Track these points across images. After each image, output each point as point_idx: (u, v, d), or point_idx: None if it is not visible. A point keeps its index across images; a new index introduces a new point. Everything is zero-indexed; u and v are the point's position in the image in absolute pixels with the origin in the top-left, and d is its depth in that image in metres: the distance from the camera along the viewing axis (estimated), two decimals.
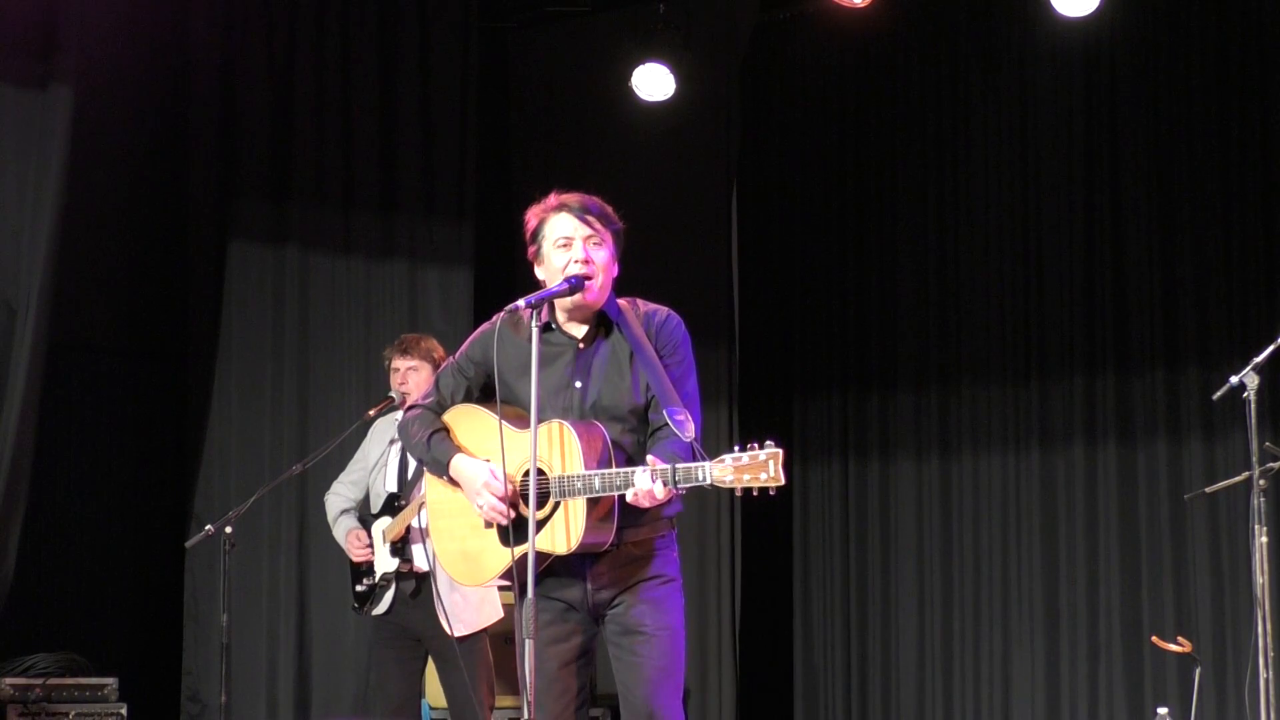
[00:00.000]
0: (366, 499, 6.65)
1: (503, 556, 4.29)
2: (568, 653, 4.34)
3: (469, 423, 4.40)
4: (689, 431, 4.14)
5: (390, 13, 8.85)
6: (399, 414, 6.57)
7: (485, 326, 4.39)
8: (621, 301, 4.42)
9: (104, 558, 8.42)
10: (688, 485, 4.06)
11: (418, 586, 6.37)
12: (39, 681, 7.39)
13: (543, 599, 4.31)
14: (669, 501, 4.21)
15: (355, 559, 6.53)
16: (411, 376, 6.51)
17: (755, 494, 4.00)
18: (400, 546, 6.38)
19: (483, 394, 4.41)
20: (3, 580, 7.37)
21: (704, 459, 4.07)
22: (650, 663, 4.28)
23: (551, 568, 4.28)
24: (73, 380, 8.21)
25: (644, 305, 4.43)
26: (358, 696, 8.44)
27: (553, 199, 4.38)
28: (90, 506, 8.40)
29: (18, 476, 7.43)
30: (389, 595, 6.42)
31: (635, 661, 4.30)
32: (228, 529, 6.49)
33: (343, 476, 6.77)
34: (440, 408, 4.47)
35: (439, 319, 8.72)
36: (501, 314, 4.32)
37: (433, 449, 4.42)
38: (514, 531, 4.23)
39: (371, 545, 6.49)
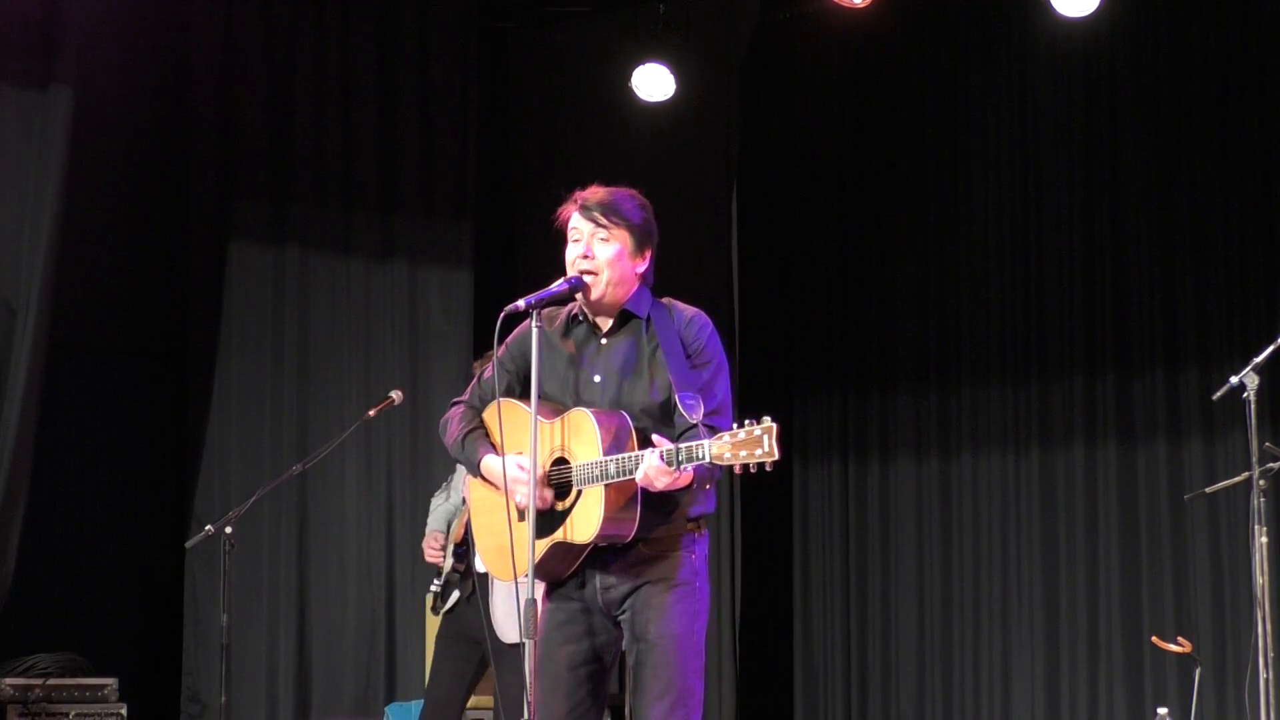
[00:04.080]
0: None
1: (526, 549, 4.27)
2: (578, 655, 4.31)
3: (506, 416, 4.40)
4: (698, 414, 4.14)
5: (390, 12, 8.85)
6: None
7: (528, 324, 4.40)
8: (663, 301, 4.43)
9: (104, 558, 8.41)
10: (691, 464, 4.04)
11: (473, 589, 6.37)
12: (39, 681, 7.39)
13: (558, 598, 4.33)
14: (679, 494, 4.19)
15: (427, 558, 6.54)
16: None
17: (753, 470, 3.98)
18: (463, 549, 6.39)
19: (525, 388, 4.40)
20: (3, 580, 7.38)
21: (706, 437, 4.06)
22: (651, 673, 4.25)
23: (577, 565, 4.28)
24: (73, 380, 8.20)
25: (678, 306, 4.44)
26: (358, 696, 8.44)
27: (576, 194, 4.42)
28: (90, 506, 8.40)
29: (18, 476, 7.43)
30: (454, 595, 6.44)
31: (639, 671, 4.27)
32: (228, 529, 6.48)
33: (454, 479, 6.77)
34: (481, 403, 4.51)
35: (439, 319, 8.73)
36: (526, 311, 4.32)
37: (465, 449, 4.46)
38: (540, 524, 4.22)
39: (445, 547, 6.51)
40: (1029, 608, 8.70)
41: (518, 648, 6.23)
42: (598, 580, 4.30)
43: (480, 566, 6.34)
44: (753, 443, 3.96)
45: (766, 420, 3.97)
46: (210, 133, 8.63)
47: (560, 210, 4.44)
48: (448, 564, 6.46)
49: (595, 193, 4.40)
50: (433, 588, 6.54)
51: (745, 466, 3.99)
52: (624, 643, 4.32)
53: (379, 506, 8.62)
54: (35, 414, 7.50)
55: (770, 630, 9.38)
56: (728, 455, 3.98)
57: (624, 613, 4.30)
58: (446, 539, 6.54)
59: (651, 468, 4.06)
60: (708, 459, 4.01)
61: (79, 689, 7.48)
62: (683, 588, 4.29)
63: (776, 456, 3.95)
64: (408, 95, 8.85)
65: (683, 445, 4.06)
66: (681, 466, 4.06)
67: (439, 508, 6.71)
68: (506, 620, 6.23)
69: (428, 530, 6.65)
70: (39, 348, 7.49)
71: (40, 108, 7.56)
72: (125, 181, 8.66)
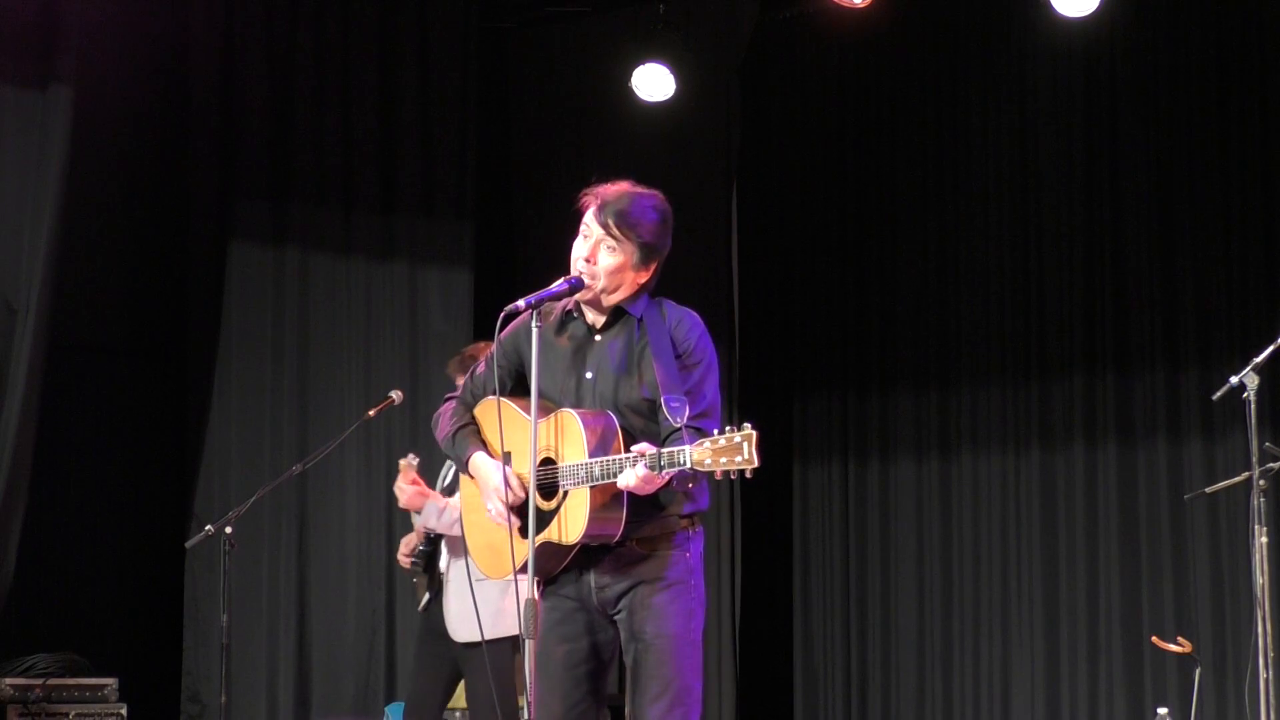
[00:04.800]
0: None
1: (521, 549, 4.27)
2: (576, 654, 4.31)
3: (496, 413, 4.39)
4: (682, 417, 4.14)
5: (390, 13, 8.85)
6: None
7: (523, 318, 4.40)
8: (655, 300, 4.43)
9: (104, 558, 8.42)
10: (673, 469, 4.04)
11: (438, 590, 6.36)
12: (39, 681, 7.39)
13: (553, 596, 4.33)
14: (662, 494, 4.19)
15: (400, 560, 6.51)
16: None
17: (734, 477, 3.99)
18: (425, 548, 6.37)
19: (519, 384, 4.41)
20: (3, 580, 7.38)
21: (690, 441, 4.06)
22: (648, 673, 4.25)
23: (565, 563, 4.29)
24: (73, 380, 8.20)
25: (670, 305, 4.43)
26: (357, 696, 8.44)
27: (598, 188, 4.37)
28: (90, 506, 8.40)
29: (18, 477, 7.43)
30: (426, 595, 6.43)
31: (636, 671, 4.28)
32: (228, 529, 6.49)
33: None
34: (474, 399, 4.51)
35: (439, 319, 8.73)
36: (526, 311, 4.32)
37: (455, 445, 4.47)
38: (527, 523, 4.22)
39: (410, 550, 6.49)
40: (1029, 608, 8.70)
41: (475, 648, 6.25)
42: (592, 579, 4.30)
43: (442, 564, 6.33)
44: (733, 449, 3.96)
45: (747, 427, 3.97)
46: (210, 133, 8.63)
47: (582, 197, 4.39)
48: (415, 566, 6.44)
49: (618, 197, 4.34)
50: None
51: (726, 473, 3.99)
52: (621, 642, 4.33)
53: (379, 506, 8.62)
54: (35, 414, 7.50)
55: (770, 630, 9.38)
56: (708, 461, 3.99)
57: (619, 612, 4.30)
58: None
59: (636, 476, 4.07)
60: (689, 465, 4.02)
61: (79, 689, 7.48)
62: (678, 586, 4.29)
63: (756, 464, 3.96)
64: (408, 95, 8.85)
65: (665, 450, 4.07)
66: (663, 471, 4.06)
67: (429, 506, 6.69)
68: (458, 619, 6.23)
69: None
70: (39, 348, 7.49)
71: (40, 108, 7.56)
72: (125, 182, 8.66)
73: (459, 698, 6.85)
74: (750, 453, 3.95)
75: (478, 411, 4.50)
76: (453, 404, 4.57)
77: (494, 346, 4.39)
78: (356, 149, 8.79)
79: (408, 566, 6.49)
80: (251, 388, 8.61)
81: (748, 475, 3.98)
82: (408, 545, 6.51)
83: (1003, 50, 8.95)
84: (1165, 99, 8.49)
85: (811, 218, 9.55)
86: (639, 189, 4.40)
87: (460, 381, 6.42)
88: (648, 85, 8.62)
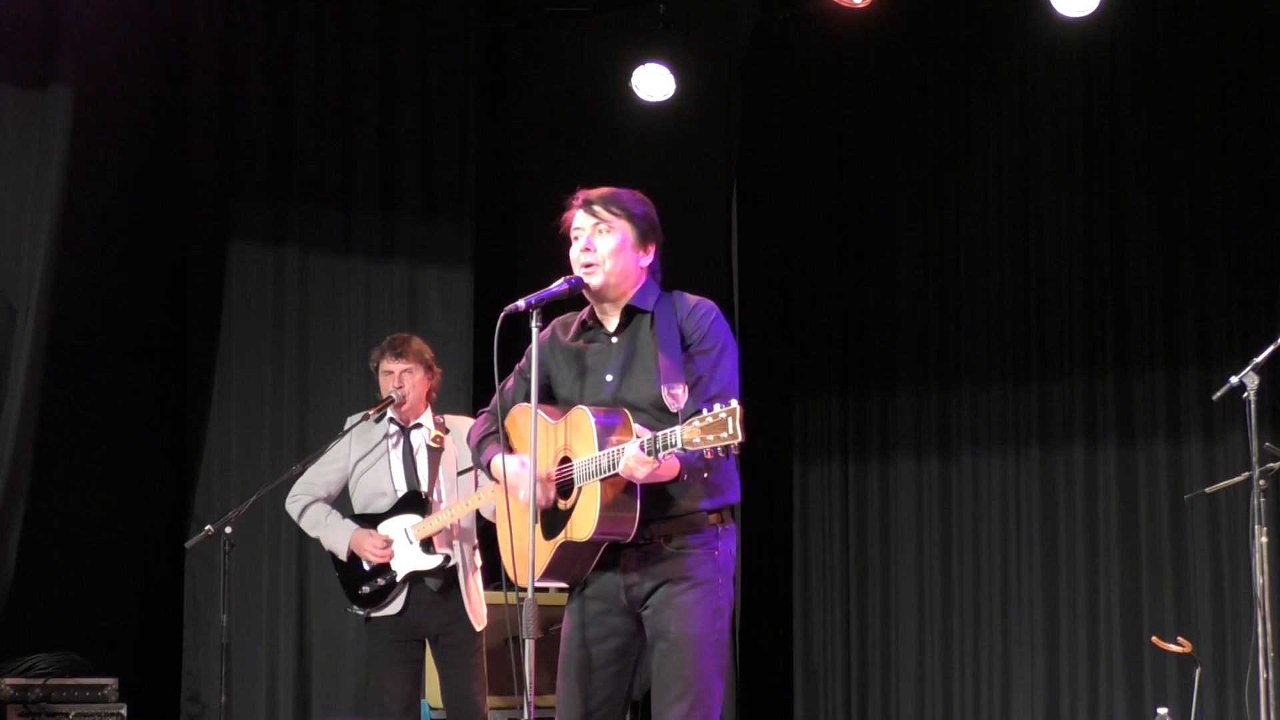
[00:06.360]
0: (341, 499, 6.67)
1: (545, 552, 4.30)
2: (599, 656, 4.33)
3: (518, 421, 4.48)
4: (677, 405, 4.16)
5: (390, 13, 8.86)
6: (378, 414, 6.59)
7: (543, 335, 4.46)
8: (670, 294, 4.47)
9: (104, 558, 8.42)
10: (668, 451, 4.06)
11: (446, 584, 6.37)
12: (39, 681, 7.39)
13: (580, 598, 4.36)
14: (673, 487, 4.21)
15: (377, 559, 6.48)
16: (407, 379, 6.50)
17: (722, 455, 3.99)
18: (430, 544, 6.37)
19: (547, 396, 4.46)
20: (3, 580, 7.37)
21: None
22: (671, 673, 4.26)
23: (594, 565, 4.31)
24: (73, 380, 8.19)
25: (685, 297, 4.47)
26: (358, 696, 8.44)
27: (578, 194, 4.45)
28: (90, 506, 8.40)
29: (18, 477, 7.43)
30: (404, 595, 6.40)
31: (659, 670, 4.29)
32: (228, 529, 6.49)
33: (312, 477, 6.73)
34: (502, 411, 4.54)
35: (439, 319, 8.73)
36: (526, 311, 4.36)
37: (479, 452, 4.54)
38: (549, 525, 4.27)
39: (388, 546, 6.45)
40: (1029, 608, 8.70)
41: (468, 640, 6.29)
42: (620, 578, 4.32)
43: (456, 557, 6.36)
44: (719, 426, 3.97)
45: (732, 403, 3.97)
46: (210, 133, 8.63)
47: (564, 215, 4.47)
48: (417, 561, 6.40)
49: (598, 190, 4.44)
50: (366, 589, 6.48)
51: (716, 451, 3.99)
52: (647, 640, 4.34)
53: None
54: (35, 414, 7.50)
55: (770, 630, 9.38)
56: (697, 440, 4.00)
57: (647, 609, 4.31)
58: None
59: (630, 458, 4.09)
60: (679, 445, 4.03)
61: (79, 689, 7.48)
62: (704, 586, 4.30)
63: (740, 439, 3.96)
64: (408, 95, 8.85)
65: (658, 434, 4.09)
66: (659, 455, 4.07)
67: (307, 505, 6.66)
68: (480, 607, 6.32)
69: (346, 532, 6.56)
70: (39, 348, 7.49)
71: (40, 108, 7.56)
72: (125, 181, 8.66)
73: (434, 697, 6.88)
74: (735, 428, 3.94)
75: (508, 421, 4.53)
76: (484, 416, 4.63)
77: (520, 360, 4.45)
78: (356, 149, 8.79)
79: (386, 560, 6.44)
80: (251, 388, 8.61)
81: (734, 451, 3.98)
82: (385, 539, 6.45)
83: (1003, 50, 8.95)
84: (1165, 99, 8.49)
85: (811, 217, 9.55)
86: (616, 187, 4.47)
87: (384, 366, 6.54)
88: (648, 85, 8.63)
